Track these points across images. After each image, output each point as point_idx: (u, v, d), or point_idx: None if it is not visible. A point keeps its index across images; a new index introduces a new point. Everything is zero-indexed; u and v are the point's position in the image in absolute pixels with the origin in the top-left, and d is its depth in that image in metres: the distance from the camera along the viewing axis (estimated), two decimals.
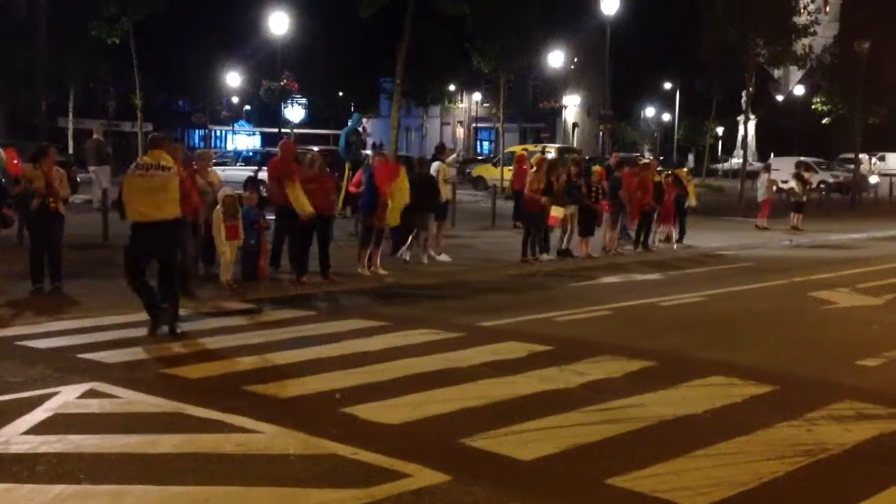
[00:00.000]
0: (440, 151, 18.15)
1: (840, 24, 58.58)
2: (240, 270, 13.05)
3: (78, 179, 22.12)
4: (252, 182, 14.28)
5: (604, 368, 8.81)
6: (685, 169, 24.26)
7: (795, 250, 21.55)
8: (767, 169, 27.18)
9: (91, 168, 24.14)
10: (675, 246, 19.99)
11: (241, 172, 23.15)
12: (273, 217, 13.66)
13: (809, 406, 7.61)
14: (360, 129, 21.12)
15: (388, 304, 12.46)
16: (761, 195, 25.84)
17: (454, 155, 17.09)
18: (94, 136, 24.88)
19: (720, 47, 31.78)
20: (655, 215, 19.41)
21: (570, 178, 16.97)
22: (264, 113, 66.68)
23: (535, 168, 16.77)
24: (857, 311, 12.91)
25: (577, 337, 10.40)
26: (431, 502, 5.50)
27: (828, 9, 63.13)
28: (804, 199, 25.76)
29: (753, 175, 32.63)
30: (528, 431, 6.77)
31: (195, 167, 12.98)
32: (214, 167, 14.87)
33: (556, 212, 16.63)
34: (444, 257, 16.23)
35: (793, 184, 25.86)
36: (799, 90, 65.14)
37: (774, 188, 26.23)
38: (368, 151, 17.79)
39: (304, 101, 65.04)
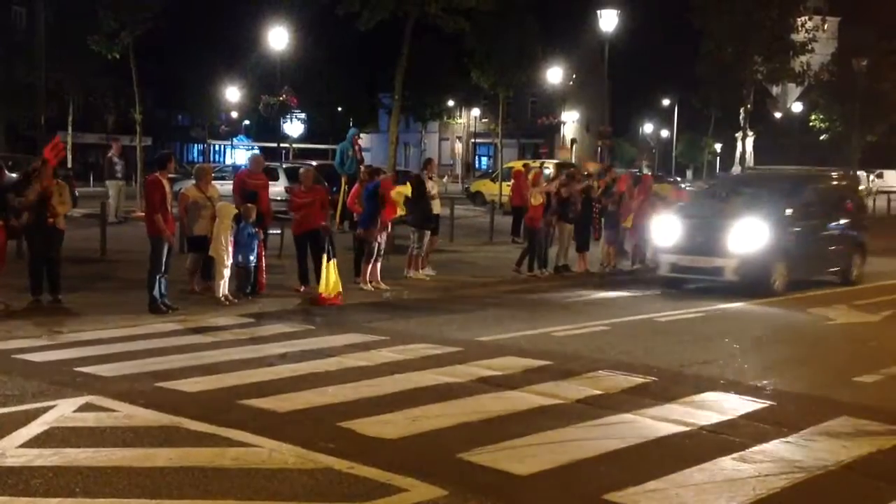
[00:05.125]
0: (426, 166, 18.00)
1: (838, 42, 58.81)
2: (237, 285, 13.03)
3: (76, 193, 22.33)
4: (252, 197, 14.24)
5: (601, 384, 8.81)
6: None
7: None
8: None
9: (106, 182, 25.11)
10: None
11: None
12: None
13: (806, 422, 7.62)
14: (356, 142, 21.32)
15: (385, 318, 12.45)
16: None
17: (442, 181, 17.07)
18: (111, 151, 25.31)
19: (718, 64, 31.89)
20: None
21: (566, 195, 17.00)
22: (263, 128, 66.85)
23: (532, 184, 16.88)
24: (854, 327, 12.94)
25: (574, 352, 10.40)
26: None
27: (826, 27, 63.33)
28: None
29: None
30: (525, 446, 6.76)
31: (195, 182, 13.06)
32: (213, 181, 14.85)
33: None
34: (428, 270, 16.12)
35: None
36: (797, 107, 65.40)
37: None
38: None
39: (303, 116, 65.19)
